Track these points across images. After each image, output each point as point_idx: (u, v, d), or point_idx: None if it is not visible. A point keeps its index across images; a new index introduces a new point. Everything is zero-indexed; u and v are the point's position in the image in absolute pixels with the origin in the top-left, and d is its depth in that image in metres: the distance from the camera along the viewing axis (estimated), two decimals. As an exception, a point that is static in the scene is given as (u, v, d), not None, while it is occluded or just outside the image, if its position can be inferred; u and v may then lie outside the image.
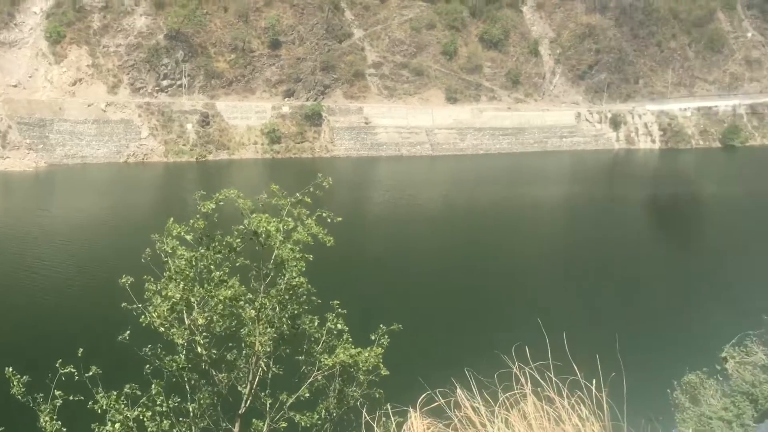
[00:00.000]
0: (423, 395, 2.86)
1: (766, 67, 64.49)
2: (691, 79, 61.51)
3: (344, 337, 6.30)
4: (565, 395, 2.62)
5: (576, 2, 60.52)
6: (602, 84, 58.14)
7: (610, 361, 3.49)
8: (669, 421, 4.40)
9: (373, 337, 6.39)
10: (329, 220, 6.30)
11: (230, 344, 6.17)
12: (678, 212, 35.56)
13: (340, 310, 6.40)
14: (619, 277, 23.65)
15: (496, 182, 44.55)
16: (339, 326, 6.32)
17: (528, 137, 55.85)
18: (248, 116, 52.27)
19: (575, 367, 2.90)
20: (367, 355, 6.24)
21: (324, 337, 6.32)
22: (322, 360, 6.23)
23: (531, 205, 38.00)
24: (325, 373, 6.25)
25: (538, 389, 2.70)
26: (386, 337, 6.43)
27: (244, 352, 6.13)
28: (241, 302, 6.02)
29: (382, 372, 6.24)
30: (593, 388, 2.65)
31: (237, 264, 6.13)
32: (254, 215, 5.99)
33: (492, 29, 57.81)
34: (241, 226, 5.99)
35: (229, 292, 5.88)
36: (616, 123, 56.59)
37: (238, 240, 6.01)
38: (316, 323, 6.36)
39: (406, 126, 53.51)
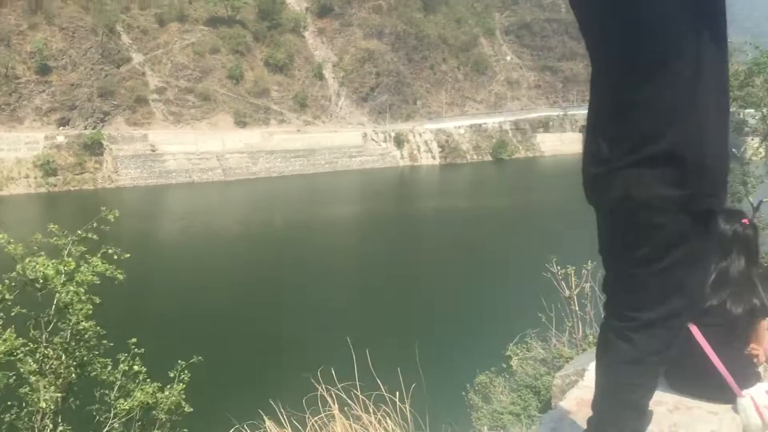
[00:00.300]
0: (231, 430, 3.71)
1: (524, 87, 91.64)
2: (462, 99, 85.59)
3: (141, 377, 6.97)
4: (371, 411, 3.32)
5: (354, 28, 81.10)
6: (384, 105, 78.68)
7: (412, 372, 4.37)
8: (466, 422, 5.67)
9: (172, 374, 7.17)
10: (116, 257, 7.08)
11: (9, 403, 6.46)
12: (458, 224, 47.63)
13: (136, 349, 7.11)
14: (414, 288, 29.31)
15: (291, 204, 56.85)
16: (135, 367, 6.95)
17: (319, 158, 72.74)
18: (17, 148, 60.97)
19: (379, 382, 3.65)
20: (167, 393, 6.97)
21: (119, 381, 6.90)
22: (118, 406, 6.73)
23: (326, 223, 49.03)
24: (123, 419, 6.76)
25: (346, 408, 3.36)
26: (187, 372, 7.21)
27: (25, 410, 6.41)
28: (20, 355, 6.26)
29: (185, 409, 7.10)
30: (397, 401, 3.39)
31: (12, 314, 6.52)
32: (28, 259, 6.57)
33: (276, 53, 75.03)
34: (14, 273, 6.51)
35: (3, 347, 6.05)
36: (399, 142, 76.60)
37: (9, 290, 6.41)
38: (108, 367, 6.93)
39: (196, 152, 66.75)
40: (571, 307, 5.65)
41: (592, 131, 1.92)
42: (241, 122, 70.60)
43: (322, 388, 3.40)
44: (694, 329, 2.49)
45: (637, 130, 1.75)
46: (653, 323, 1.88)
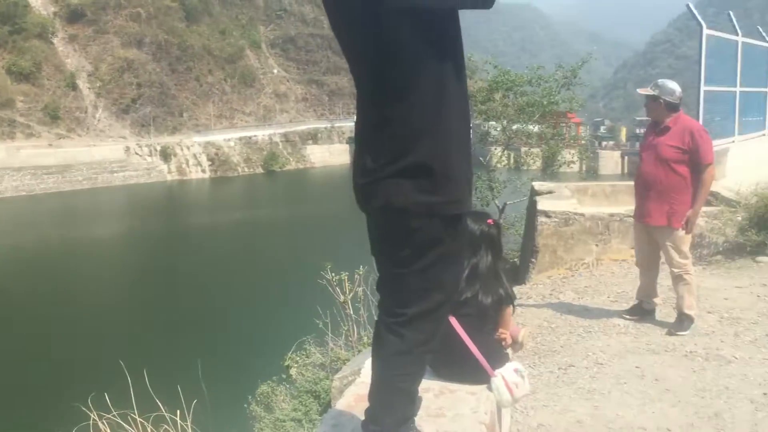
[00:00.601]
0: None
1: (292, 100, 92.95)
2: (231, 111, 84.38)
3: None
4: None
5: (111, 36, 76.17)
6: (148, 117, 74.88)
7: (194, 390, 4.31)
8: (250, 432, 5.86)
9: None
10: None
11: None
12: (232, 237, 47.08)
13: None
14: (190, 305, 27.98)
15: (44, 224, 52.28)
16: None
17: (76, 174, 67.38)
18: None
19: (159, 403, 3.65)
20: None
21: None
22: None
23: (88, 244, 45.53)
24: None
25: None
26: None
27: None
28: None
29: None
30: (178, 420, 3.39)
31: None
32: None
33: (20, 61, 67.97)
34: None
35: None
36: (166, 155, 73.52)
37: None
38: None
39: None
40: (346, 311, 5.91)
41: (359, 144, 2.10)
42: (-21, 137, 63.05)
43: (94, 415, 3.23)
44: (453, 320, 2.79)
45: (393, 143, 1.95)
46: (418, 317, 2.08)
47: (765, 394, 3.80)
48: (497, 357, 2.81)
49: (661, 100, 4.79)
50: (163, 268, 36.96)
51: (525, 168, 20.44)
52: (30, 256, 41.66)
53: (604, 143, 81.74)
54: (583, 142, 29.34)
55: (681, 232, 4.75)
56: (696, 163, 4.66)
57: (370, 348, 2.45)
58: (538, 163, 19.95)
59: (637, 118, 74.12)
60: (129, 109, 74.69)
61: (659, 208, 4.82)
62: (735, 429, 3.43)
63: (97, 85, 74.08)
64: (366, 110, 2.07)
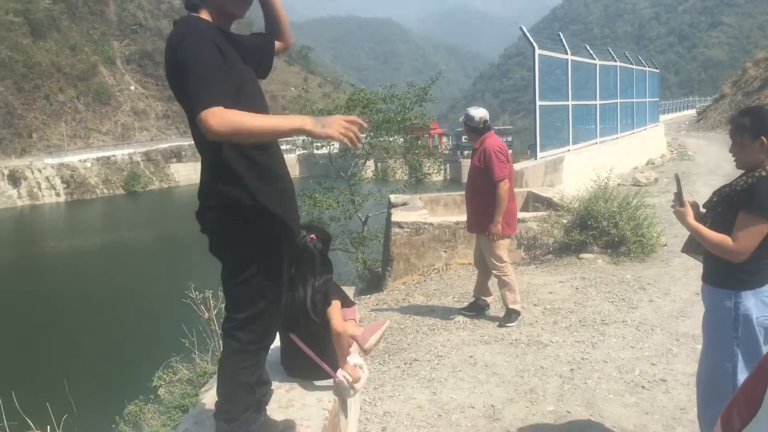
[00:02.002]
0: None
1: (152, 117, 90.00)
2: (86, 130, 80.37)
3: None
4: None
5: (-55, 53, 70.38)
6: (-6, 139, 69.73)
7: (63, 405, 4.55)
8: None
9: None
10: None
11: None
12: (91, 262, 44.95)
13: None
14: (55, 330, 27.17)
15: None
16: None
17: None
18: None
19: (28, 420, 3.84)
20: None
21: None
22: None
23: None
24: None
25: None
26: None
27: None
28: None
29: None
30: None
31: None
32: None
33: None
34: None
35: None
36: (15, 179, 68.82)
37: None
38: None
39: None
40: (212, 328, 6.18)
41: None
42: None
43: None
44: (293, 336, 3.24)
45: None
46: (247, 321, 2.52)
47: (572, 370, 4.52)
48: (334, 357, 3.26)
49: (467, 126, 5.66)
50: (22, 296, 34.89)
51: (389, 180, 21.27)
52: None
53: (466, 152, 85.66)
54: (446, 152, 30.64)
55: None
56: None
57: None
58: (400, 175, 20.86)
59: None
60: (-30, 132, 69.32)
61: (474, 218, 5.62)
62: (546, 400, 4.10)
63: (-69, 106, 68.19)
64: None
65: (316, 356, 3.20)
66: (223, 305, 6.33)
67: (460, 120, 5.76)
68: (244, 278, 2.47)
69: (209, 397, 3.12)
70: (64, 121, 78.23)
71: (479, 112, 5.60)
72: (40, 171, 71.56)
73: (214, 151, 2.40)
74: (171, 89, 2.38)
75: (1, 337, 27.27)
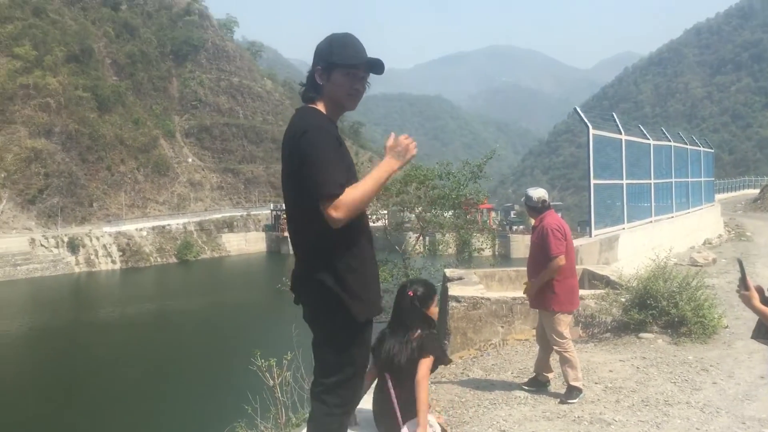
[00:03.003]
0: None
1: (207, 188, 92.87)
2: (143, 200, 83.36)
3: None
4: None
5: (18, 125, 74.69)
6: (55, 208, 72.92)
7: None
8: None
9: None
10: None
11: None
12: (149, 328, 45.93)
13: None
14: (115, 399, 27.74)
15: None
16: None
17: (-25, 268, 64.27)
18: None
19: None
20: None
21: None
22: None
23: None
24: None
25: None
26: None
27: None
28: None
29: None
30: None
31: None
32: None
33: None
34: None
35: None
36: (74, 247, 71.28)
37: None
38: None
39: None
40: (275, 395, 6.37)
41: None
42: None
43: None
44: (387, 375, 3.47)
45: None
46: (335, 386, 2.72)
47: (637, 448, 4.54)
48: (409, 411, 3.45)
49: (526, 206, 5.96)
50: (78, 362, 35.71)
51: (440, 254, 21.44)
52: None
53: (514, 227, 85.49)
54: (494, 227, 30.82)
55: (554, 315, 5.60)
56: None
57: (299, 427, 3.05)
58: (452, 249, 21.05)
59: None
60: (35, 200, 72.61)
61: (534, 293, 5.75)
62: (611, 478, 4.13)
63: (2, 175, 71.88)
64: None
65: (396, 401, 3.38)
66: (288, 373, 6.59)
67: (522, 200, 6.01)
68: (334, 347, 2.69)
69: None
70: (124, 191, 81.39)
71: (537, 192, 5.85)
72: (98, 239, 74.03)
73: (311, 233, 2.64)
74: (285, 174, 2.67)
75: (59, 402, 27.99)
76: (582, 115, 12.80)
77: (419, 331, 3.54)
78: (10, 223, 70.46)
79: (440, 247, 21.36)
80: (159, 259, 78.30)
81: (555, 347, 5.63)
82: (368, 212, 2.74)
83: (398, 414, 3.41)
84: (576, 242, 11.80)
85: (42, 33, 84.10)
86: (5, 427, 25.02)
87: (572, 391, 5.59)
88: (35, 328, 47.56)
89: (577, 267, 9.83)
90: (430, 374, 3.61)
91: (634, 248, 13.32)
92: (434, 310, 3.76)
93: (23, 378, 34.41)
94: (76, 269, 71.09)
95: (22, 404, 28.25)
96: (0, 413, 26.88)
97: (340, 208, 2.43)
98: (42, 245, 69.50)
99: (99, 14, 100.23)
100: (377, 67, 2.69)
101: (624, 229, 14.15)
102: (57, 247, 70.61)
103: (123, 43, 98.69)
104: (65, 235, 71.45)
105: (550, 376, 5.98)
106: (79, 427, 24.28)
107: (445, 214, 18.14)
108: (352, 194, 2.46)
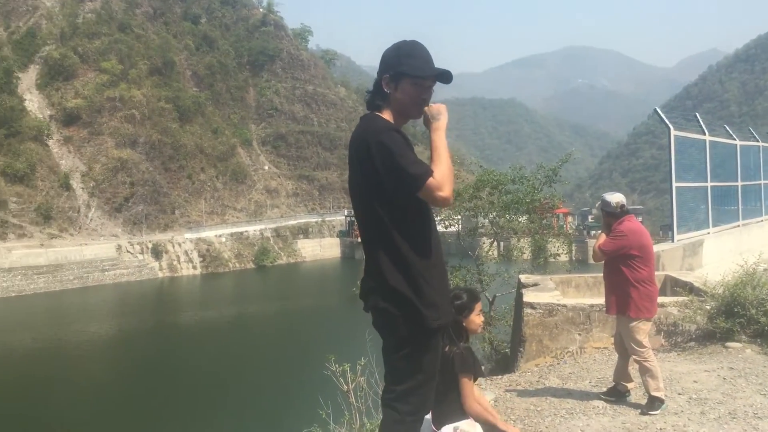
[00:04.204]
0: None
1: (283, 195, 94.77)
2: (222, 207, 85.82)
3: None
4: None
5: (105, 137, 78.37)
6: (140, 216, 76.01)
7: None
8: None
9: None
10: None
11: None
12: (229, 331, 47.22)
13: None
14: (192, 400, 28.78)
15: (29, 326, 52.06)
16: None
17: (67, 274, 67.55)
18: None
19: None
20: None
21: None
22: None
23: (77, 343, 44.85)
24: None
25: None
26: None
27: None
28: None
29: None
30: None
31: None
32: None
33: (15, 163, 69.49)
34: None
35: None
36: (157, 253, 74.06)
37: None
38: None
39: None
40: (350, 401, 6.41)
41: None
42: (-29, 238, 63.51)
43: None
44: None
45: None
46: (406, 393, 2.72)
47: (724, 464, 4.34)
48: (451, 415, 3.44)
49: (603, 212, 5.80)
50: (161, 364, 37.28)
51: (515, 260, 21.14)
52: (22, 355, 41.23)
53: (592, 232, 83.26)
54: (571, 232, 30.22)
55: (632, 322, 5.42)
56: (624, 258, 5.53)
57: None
58: (527, 255, 20.72)
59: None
60: (122, 208, 75.87)
61: (612, 299, 5.63)
62: (697, 494, 3.96)
63: (91, 184, 75.54)
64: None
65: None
66: (362, 379, 6.63)
67: (597, 206, 5.85)
68: (405, 353, 2.69)
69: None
70: (204, 198, 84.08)
71: (615, 198, 5.70)
72: (180, 245, 76.66)
73: (384, 240, 2.66)
74: (354, 182, 2.70)
75: (140, 403, 29.22)
76: (662, 115, 12.38)
77: (447, 347, 3.50)
78: (98, 230, 73.88)
79: (515, 252, 21.07)
80: (237, 265, 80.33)
81: (633, 356, 5.46)
82: (437, 218, 2.74)
83: (431, 417, 3.42)
84: (657, 247, 11.41)
85: (127, 47, 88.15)
86: (100, 421, 26.27)
87: (654, 402, 5.39)
88: (123, 330, 49.57)
89: (658, 273, 9.51)
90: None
91: (719, 253, 12.77)
92: (475, 320, 3.71)
93: (115, 376, 36.13)
94: (160, 274, 73.74)
95: (114, 400, 29.67)
96: (96, 409, 28.39)
97: (443, 187, 2.50)
98: (128, 251, 72.44)
99: (180, 28, 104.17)
100: (445, 77, 2.70)
101: (709, 233, 13.59)
102: (142, 253, 73.46)
103: (202, 55, 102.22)
104: (149, 241, 74.29)
105: (631, 386, 5.79)
106: (159, 423, 25.19)
107: (520, 219, 17.88)
108: (441, 170, 2.52)
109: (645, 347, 5.43)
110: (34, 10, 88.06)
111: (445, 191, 2.50)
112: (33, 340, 45.95)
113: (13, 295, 62.33)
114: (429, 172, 2.50)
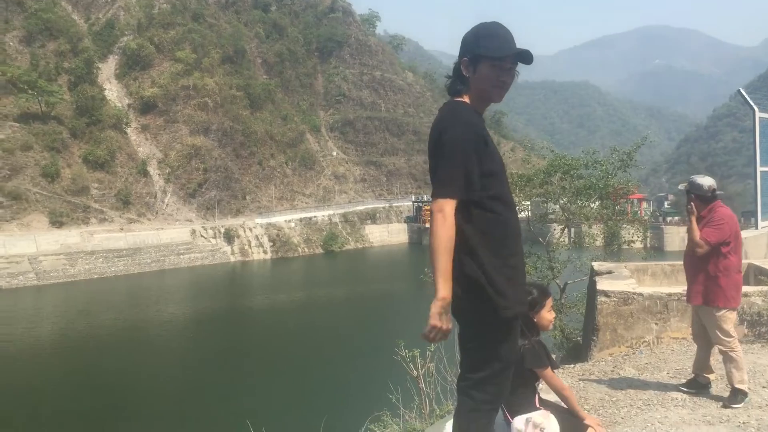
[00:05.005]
0: None
1: (350, 181, 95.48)
2: (291, 193, 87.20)
3: None
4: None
5: (180, 124, 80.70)
6: (213, 201, 78.06)
7: None
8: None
9: None
10: None
11: None
12: (299, 316, 47.36)
13: None
14: (265, 381, 29.28)
15: (112, 307, 54.20)
16: None
17: (145, 257, 70.09)
18: None
19: None
20: None
21: None
22: None
23: (160, 323, 46.25)
24: None
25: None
26: None
27: None
28: None
29: None
30: None
31: None
32: None
33: (96, 150, 72.40)
34: None
35: None
36: (229, 237, 75.91)
37: None
38: None
39: (4, 255, 61.87)
40: (419, 386, 6.43)
41: None
42: (57, 222, 66.63)
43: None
44: None
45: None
46: (481, 381, 2.70)
47: (814, 461, 4.14)
48: (524, 407, 3.39)
49: (692, 195, 5.45)
50: (233, 345, 38.23)
51: (587, 246, 20.70)
52: (104, 335, 42.76)
53: (668, 219, 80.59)
54: (645, 218, 29.36)
55: (720, 312, 5.21)
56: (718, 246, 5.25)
57: (443, 419, 3.05)
58: (600, 242, 20.24)
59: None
60: (195, 194, 78.08)
61: (697, 288, 5.37)
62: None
63: (167, 171, 78.04)
64: None
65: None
66: (431, 365, 6.64)
67: (683, 187, 5.60)
68: (482, 341, 2.67)
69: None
70: (274, 184, 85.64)
71: (707, 181, 5.46)
72: (251, 230, 78.34)
73: (459, 229, 2.62)
74: (430, 167, 2.68)
75: (213, 382, 30.15)
76: (746, 96, 11.85)
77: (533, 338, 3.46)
78: (174, 215, 76.33)
79: (586, 239, 20.64)
80: (306, 250, 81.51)
81: (720, 346, 5.25)
82: (517, 206, 2.69)
83: (504, 409, 3.39)
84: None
85: (200, 37, 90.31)
86: (179, 397, 27.30)
87: (737, 395, 5.19)
88: (199, 312, 51.01)
89: (742, 262, 9.13)
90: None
91: (809, 241, 12.14)
92: (546, 315, 3.63)
93: (192, 356, 37.25)
94: (232, 258, 75.53)
95: (191, 378, 30.79)
96: (174, 387, 29.54)
97: (440, 215, 2.52)
98: (202, 236, 74.50)
99: (251, 16, 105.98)
100: (525, 57, 2.60)
101: (796, 220, 12.94)
102: (215, 237, 75.41)
103: (272, 42, 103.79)
104: (222, 226, 76.19)
105: (711, 377, 5.59)
106: (233, 400, 25.87)
107: (592, 205, 17.45)
108: (444, 229, 2.53)
109: (732, 337, 5.23)
110: (112, 2, 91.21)
111: (439, 220, 2.51)
112: (116, 320, 47.96)
113: (95, 277, 64.94)
114: (450, 194, 2.52)
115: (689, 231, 5.35)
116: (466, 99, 2.66)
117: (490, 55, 2.58)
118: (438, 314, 2.49)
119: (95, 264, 66.66)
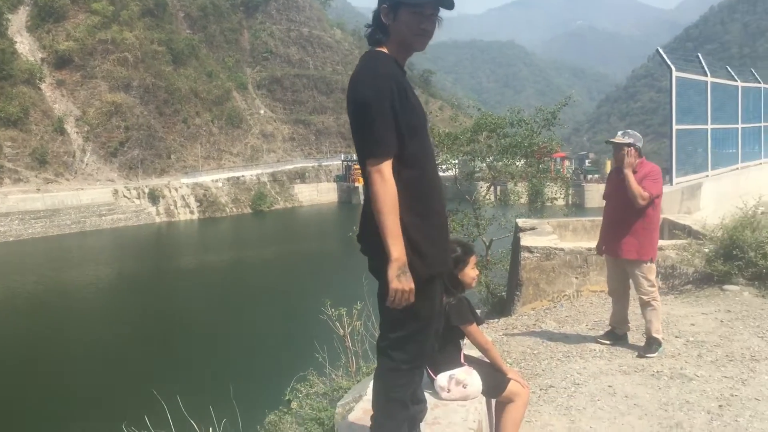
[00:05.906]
0: None
1: (279, 139, 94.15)
2: (218, 152, 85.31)
3: None
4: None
5: (98, 80, 77.23)
6: (136, 160, 75.56)
7: (205, 420, 5.10)
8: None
9: None
10: None
11: None
12: (225, 276, 47.52)
13: None
14: (190, 343, 28.94)
15: (31, 270, 52.37)
16: None
17: (64, 218, 67.41)
18: None
19: (194, 424, 4.55)
20: None
21: None
22: None
23: (77, 287, 44.85)
24: None
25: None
26: None
27: None
28: None
29: None
30: None
31: None
32: None
33: (8, 107, 68.56)
34: None
35: None
36: (154, 197, 73.85)
37: None
38: None
39: None
40: (346, 344, 6.40)
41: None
42: (-33, 183, 63.19)
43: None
44: None
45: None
46: (400, 340, 2.62)
47: (721, 406, 4.33)
48: (449, 364, 3.42)
49: (632, 148, 5.48)
50: (159, 309, 37.43)
51: (512, 204, 21.09)
52: (23, 300, 41.36)
53: (589, 176, 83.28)
54: (567, 176, 30.02)
55: (648, 264, 5.36)
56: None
57: (370, 376, 2.99)
58: (524, 199, 20.64)
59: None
60: (117, 153, 75.35)
61: (630, 242, 5.44)
62: (693, 436, 3.95)
63: (85, 129, 74.83)
64: None
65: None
66: (358, 323, 6.61)
67: (623, 138, 5.56)
68: None
69: (360, 411, 3.26)
70: (200, 143, 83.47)
71: (639, 135, 5.62)
72: (176, 190, 76.39)
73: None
74: (350, 123, 2.54)
75: (141, 346, 29.58)
76: (664, 56, 12.08)
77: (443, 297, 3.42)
78: (94, 175, 73.51)
79: (512, 196, 20.99)
80: (234, 210, 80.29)
81: (643, 296, 5.41)
82: (438, 162, 2.59)
83: (428, 368, 3.37)
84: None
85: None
86: (102, 363, 26.56)
87: (652, 345, 5.38)
88: (123, 274, 49.85)
89: (656, 216, 9.43)
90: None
91: (718, 196, 12.66)
92: (469, 273, 3.61)
93: (116, 319, 36.30)
94: (157, 219, 73.65)
95: (115, 343, 29.99)
96: (98, 353, 28.70)
97: (381, 182, 2.38)
98: (125, 196, 72.16)
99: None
100: (446, 2, 2.48)
101: (707, 176, 13.44)
102: (138, 198, 73.20)
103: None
104: (146, 186, 73.96)
105: (627, 329, 5.77)
106: (159, 366, 25.46)
107: (517, 163, 17.72)
108: (386, 190, 2.39)
109: (655, 287, 5.43)
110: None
111: (377, 184, 2.38)
112: (35, 284, 46.25)
113: (11, 239, 62.26)
114: (385, 153, 2.38)
115: (628, 183, 5.34)
116: (386, 49, 2.53)
117: (409, 1, 2.44)
118: (396, 276, 2.39)
119: (10, 226, 63.72)
